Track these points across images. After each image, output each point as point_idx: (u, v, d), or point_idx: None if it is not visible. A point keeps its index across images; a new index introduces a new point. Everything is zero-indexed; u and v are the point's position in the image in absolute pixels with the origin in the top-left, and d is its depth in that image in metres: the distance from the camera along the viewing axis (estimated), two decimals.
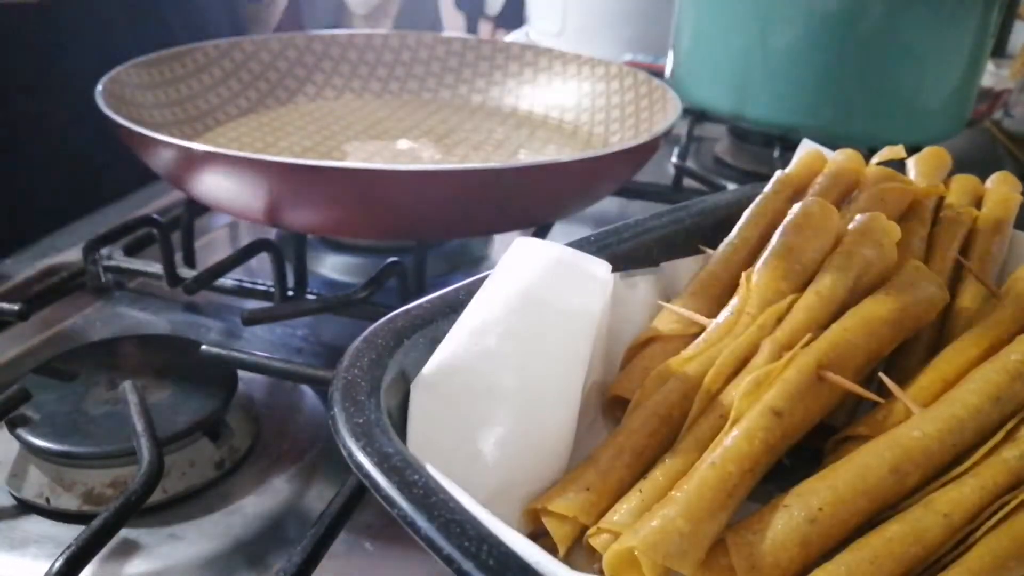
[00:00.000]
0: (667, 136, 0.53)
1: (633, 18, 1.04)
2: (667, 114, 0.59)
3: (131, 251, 0.55)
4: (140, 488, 0.32)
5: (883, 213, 0.37)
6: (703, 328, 0.34)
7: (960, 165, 0.47)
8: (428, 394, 0.28)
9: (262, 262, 0.50)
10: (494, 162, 0.59)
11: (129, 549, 0.33)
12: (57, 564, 0.28)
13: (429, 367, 0.28)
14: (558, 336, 0.29)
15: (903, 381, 0.31)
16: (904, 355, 0.34)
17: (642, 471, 0.28)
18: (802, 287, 0.34)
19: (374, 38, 0.76)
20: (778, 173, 0.42)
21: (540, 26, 1.14)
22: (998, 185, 0.45)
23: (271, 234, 0.57)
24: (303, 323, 0.51)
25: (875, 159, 0.45)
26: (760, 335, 0.32)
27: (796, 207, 0.37)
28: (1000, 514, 0.25)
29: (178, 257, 0.53)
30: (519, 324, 0.28)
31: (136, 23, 0.82)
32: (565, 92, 0.72)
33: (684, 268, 0.38)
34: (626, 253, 0.36)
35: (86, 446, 0.35)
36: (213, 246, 0.61)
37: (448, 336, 0.29)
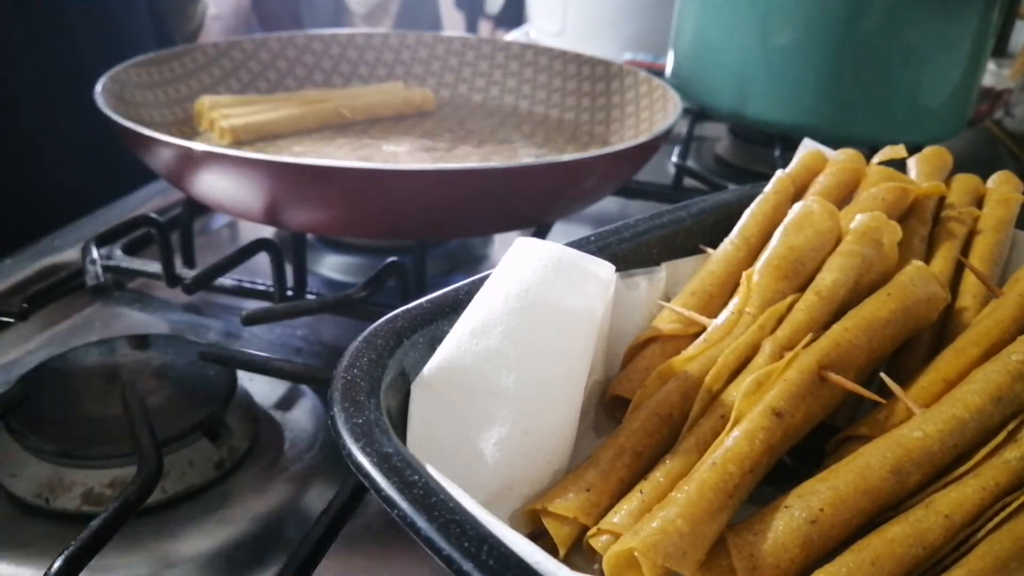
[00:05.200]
0: (667, 136, 0.53)
1: (633, 17, 1.04)
2: (667, 113, 0.59)
3: (130, 251, 0.55)
4: (139, 488, 0.32)
5: (884, 213, 0.36)
6: (703, 328, 0.34)
7: (961, 165, 0.47)
8: (428, 394, 0.28)
9: (262, 262, 0.50)
10: (494, 162, 0.59)
11: (128, 549, 0.33)
12: (56, 564, 0.28)
13: (429, 367, 0.28)
14: (559, 336, 0.29)
15: (904, 381, 0.31)
16: (905, 355, 0.34)
17: (643, 471, 0.28)
18: (803, 287, 0.34)
19: (374, 37, 0.76)
20: (779, 173, 0.42)
21: (540, 25, 1.14)
22: (999, 185, 0.45)
23: (270, 234, 0.57)
24: (303, 323, 0.50)
25: (876, 159, 0.45)
26: (761, 335, 0.32)
27: (797, 207, 0.37)
28: (1002, 515, 0.25)
29: (177, 257, 0.53)
30: (520, 324, 0.28)
31: (137, 23, 0.82)
32: (565, 91, 0.72)
33: (684, 268, 0.38)
34: (626, 253, 0.36)
35: (85, 446, 0.35)
36: (213, 246, 0.61)
37: (448, 336, 0.28)
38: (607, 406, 0.33)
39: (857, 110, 0.69)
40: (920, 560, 0.24)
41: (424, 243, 0.49)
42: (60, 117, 0.72)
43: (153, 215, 0.52)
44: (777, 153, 0.72)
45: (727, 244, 0.38)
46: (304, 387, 0.44)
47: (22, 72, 0.69)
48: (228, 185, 0.45)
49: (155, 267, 0.51)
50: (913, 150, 0.47)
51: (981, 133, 0.96)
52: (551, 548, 0.26)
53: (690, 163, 0.73)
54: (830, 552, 0.25)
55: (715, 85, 0.74)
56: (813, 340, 0.30)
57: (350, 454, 0.23)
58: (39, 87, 0.70)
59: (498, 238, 0.62)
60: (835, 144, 0.47)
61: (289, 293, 0.49)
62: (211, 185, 0.46)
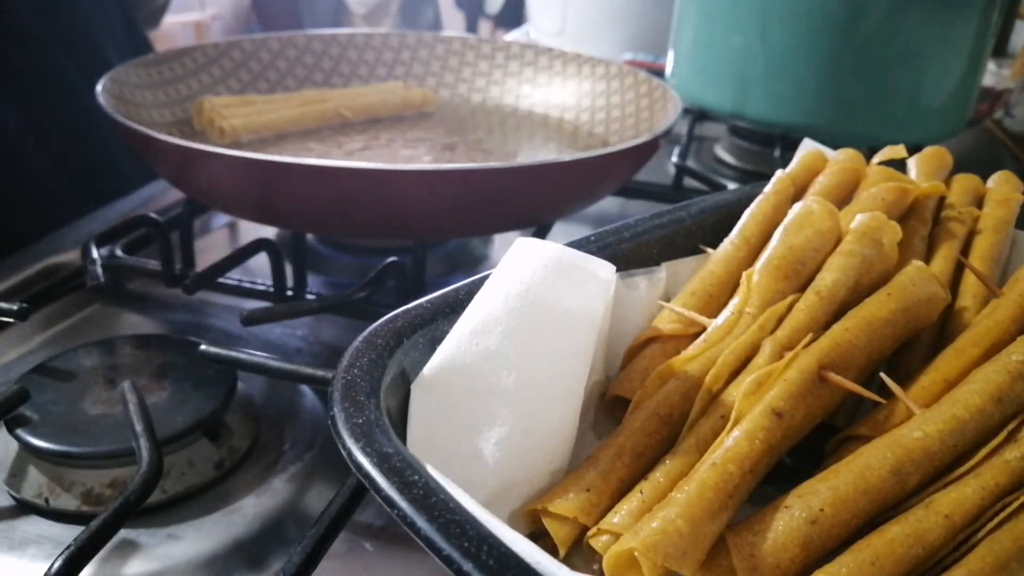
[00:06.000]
0: (667, 135, 0.53)
1: (633, 18, 1.04)
2: (667, 113, 0.59)
3: (130, 251, 0.55)
4: (139, 488, 0.32)
5: (884, 213, 0.36)
6: (703, 328, 0.34)
7: (961, 165, 0.47)
8: (428, 394, 0.28)
9: (262, 262, 0.50)
10: (494, 162, 0.59)
11: (128, 549, 0.33)
12: (56, 564, 0.28)
13: (429, 367, 0.28)
14: (559, 336, 0.29)
15: (904, 381, 0.31)
16: (905, 355, 0.34)
17: (643, 472, 0.28)
18: (803, 287, 0.34)
19: (374, 37, 0.76)
20: (779, 173, 0.42)
21: (540, 25, 1.14)
22: (999, 185, 0.45)
23: (271, 234, 0.57)
24: (302, 323, 0.50)
25: (876, 159, 0.45)
26: (761, 335, 0.32)
27: (797, 207, 0.37)
28: (1002, 515, 0.25)
29: (177, 257, 0.53)
30: (520, 324, 0.28)
31: (108, 14, 0.82)
32: (565, 92, 0.72)
33: (684, 268, 0.38)
34: (626, 253, 0.36)
35: (85, 446, 0.35)
36: (212, 246, 0.61)
37: (448, 336, 0.28)
38: (607, 406, 0.34)
39: (857, 110, 0.69)
40: (920, 560, 0.24)
41: (424, 243, 0.49)
42: (59, 116, 0.72)
43: (153, 215, 0.52)
44: (777, 153, 0.72)
45: (727, 244, 0.38)
46: (304, 387, 0.44)
47: (22, 71, 0.69)
48: (228, 185, 0.45)
49: (155, 267, 0.51)
50: (913, 150, 0.47)
51: (981, 133, 0.96)
52: (551, 548, 0.26)
53: (690, 163, 0.73)
54: (830, 552, 0.25)
55: (715, 85, 0.74)
56: (813, 340, 0.30)
57: (350, 454, 0.23)
58: (39, 86, 0.70)
59: (498, 238, 0.62)
60: (835, 144, 0.47)
61: (289, 293, 0.49)
62: (211, 185, 0.46)
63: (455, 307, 0.30)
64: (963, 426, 0.28)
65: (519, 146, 0.64)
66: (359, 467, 0.23)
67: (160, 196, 0.66)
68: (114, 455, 0.35)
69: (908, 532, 0.24)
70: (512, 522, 0.28)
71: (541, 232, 0.52)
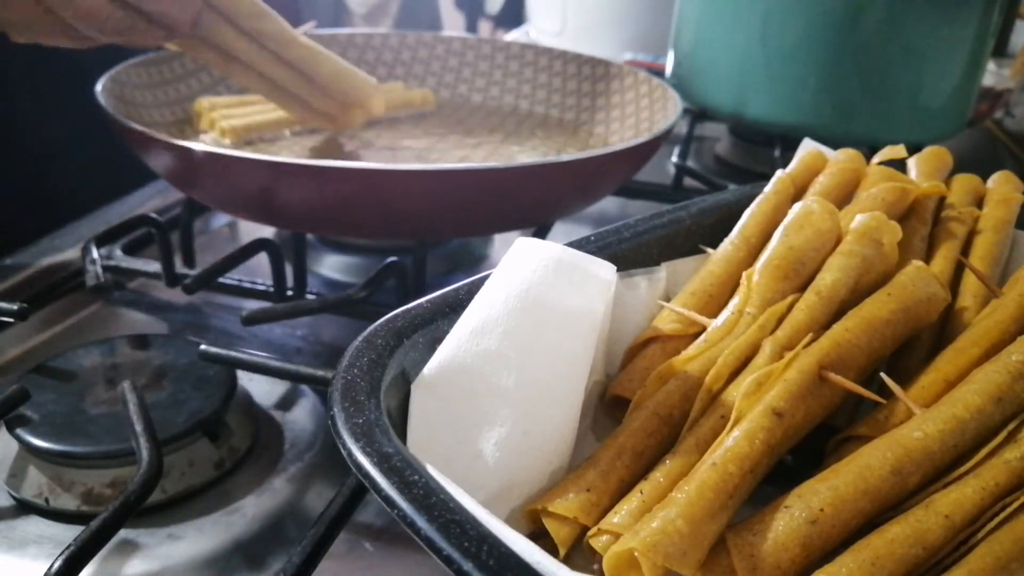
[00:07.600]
0: (667, 136, 0.53)
1: (633, 17, 1.04)
2: (667, 113, 0.59)
3: (130, 251, 0.55)
4: (139, 488, 0.32)
5: (884, 213, 0.36)
6: (703, 328, 0.34)
7: (961, 165, 0.47)
8: (429, 394, 0.28)
9: (262, 262, 0.50)
10: (494, 162, 0.59)
11: (128, 549, 0.33)
12: (56, 564, 0.28)
13: (430, 367, 0.28)
14: (559, 336, 0.29)
15: (904, 381, 0.31)
16: (905, 355, 0.34)
17: (643, 472, 0.28)
18: (803, 287, 0.34)
19: (374, 37, 0.76)
20: (779, 173, 0.42)
21: (541, 25, 1.14)
22: (999, 185, 0.45)
23: (270, 234, 0.57)
24: (303, 323, 0.50)
25: (876, 159, 0.45)
26: (761, 335, 0.32)
27: (797, 207, 0.37)
28: (1002, 515, 0.25)
29: (177, 257, 0.53)
30: (520, 324, 0.28)
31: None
32: (565, 91, 0.72)
33: (684, 268, 0.38)
34: (626, 253, 0.36)
35: (85, 446, 0.35)
36: (213, 246, 0.61)
37: (448, 336, 0.28)
38: (607, 406, 0.34)
39: (857, 110, 0.69)
40: (920, 560, 0.24)
41: (424, 243, 0.49)
42: (59, 116, 0.71)
43: (153, 215, 0.52)
44: (777, 153, 0.72)
45: (727, 244, 0.38)
46: (304, 387, 0.44)
47: (23, 71, 0.69)
48: (228, 185, 0.45)
49: (155, 267, 0.51)
50: (913, 150, 0.47)
51: (981, 133, 0.96)
52: (551, 548, 0.26)
53: (690, 163, 0.73)
54: (830, 552, 0.25)
55: (715, 85, 0.74)
56: (813, 340, 0.31)
57: (350, 454, 0.23)
58: (39, 86, 0.70)
59: (498, 238, 0.62)
60: (835, 144, 0.47)
61: (289, 293, 0.49)
62: (211, 185, 0.46)
63: (455, 307, 0.30)
64: (963, 426, 0.28)
65: (519, 146, 0.64)
66: (359, 467, 0.23)
67: (160, 196, 0.66)
68: (114, 455, 0.35)
69: (908, 532, 0.24)
70: (512, 522, 0.28)
71: (541, 232, 0.52)
